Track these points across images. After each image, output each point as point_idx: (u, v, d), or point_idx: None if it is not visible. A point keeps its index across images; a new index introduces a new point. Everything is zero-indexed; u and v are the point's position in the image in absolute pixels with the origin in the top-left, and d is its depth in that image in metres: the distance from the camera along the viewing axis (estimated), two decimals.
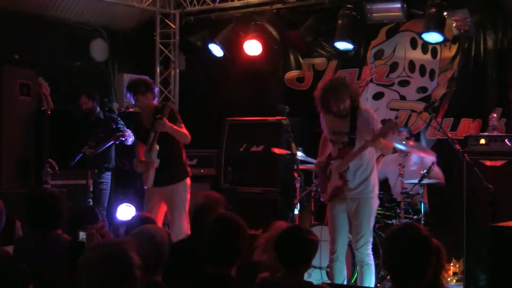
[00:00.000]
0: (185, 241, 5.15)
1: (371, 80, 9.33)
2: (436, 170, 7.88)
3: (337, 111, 6.31)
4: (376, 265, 7.12)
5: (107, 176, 8.88)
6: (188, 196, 7.22)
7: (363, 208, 6.41)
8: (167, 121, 7.01)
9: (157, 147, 7.08)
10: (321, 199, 6.92)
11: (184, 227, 7.01)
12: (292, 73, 10.09)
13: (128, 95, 7.42)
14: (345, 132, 6.37)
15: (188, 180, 7.33)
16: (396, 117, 8.86)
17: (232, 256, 4.00)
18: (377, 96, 9.30)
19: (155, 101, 7.48)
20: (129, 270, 3.22)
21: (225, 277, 3.92)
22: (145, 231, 4.15)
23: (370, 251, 6.44)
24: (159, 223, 6.90)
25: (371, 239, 6.45)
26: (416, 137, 8.67)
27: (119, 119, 9.01)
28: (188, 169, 7.42)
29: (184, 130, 7.23)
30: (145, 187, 7.36)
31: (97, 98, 9.13)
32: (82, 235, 4.37)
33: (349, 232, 6.58)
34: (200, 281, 3.96)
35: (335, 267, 6.55)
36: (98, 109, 9.07)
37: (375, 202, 6.54)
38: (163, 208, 7.24)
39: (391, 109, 9.17)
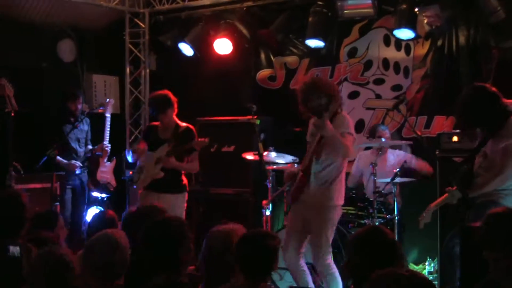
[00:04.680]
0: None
1: (346, 79, 9.23)
2: (418, 163, 7.80)
3: (316, 106, 6.23)
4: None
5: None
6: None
7: (321, 216, 6.24)
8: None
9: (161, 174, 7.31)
10: (288, 202, 6.82)
11: None
12: (264, 72, 9.98)
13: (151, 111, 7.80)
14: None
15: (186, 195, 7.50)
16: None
17: (173, 263, 3.85)
18: (353, 96, 9.21)
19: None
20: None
21: (176, 285, 3.76)
22: (107, 235, 4.07)
23: (329, 261, 6.24)
24: None
25: (329, 249, 6.25)
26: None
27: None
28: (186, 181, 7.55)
29: (193, 163, 7.49)
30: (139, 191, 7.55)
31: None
32: (12, 249, 4.25)
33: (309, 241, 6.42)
34: None
35: (293, 271, 6.41)
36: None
37: (336, 212, 6.35)
38: None
39: (367, 108, 9.09)
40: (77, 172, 8.68)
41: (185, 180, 7.52)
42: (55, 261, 3.61)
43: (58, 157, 8.39)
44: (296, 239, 6.36)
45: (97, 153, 8.87)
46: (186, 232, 4.06)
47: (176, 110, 7.53)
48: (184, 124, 7.57)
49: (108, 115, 8.94)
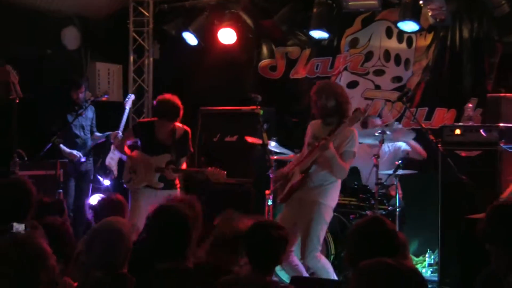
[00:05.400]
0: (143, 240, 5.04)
1: (346, 69, 9.26)
2: (413, 144, 7.84)
3: (321, 106, 6.35)
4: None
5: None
6: None
7: (311, 212, 6.29)
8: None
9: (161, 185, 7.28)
10: (277, 201, 6.83)
11: None
12: (265, 62, 10.00)
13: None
14: (322, 138, 6.32)
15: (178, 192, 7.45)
16: (368, 105, 8.79)
17: (179, 248, 3.87)
18: (352, 85, 9.23)
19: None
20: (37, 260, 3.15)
21: (180, 271, 3.79)
22: (110, 224, 4.06)
23: (317, 254, 6.28)
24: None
25: (318, 247, 6.29)
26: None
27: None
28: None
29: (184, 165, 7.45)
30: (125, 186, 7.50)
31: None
32: (17, 226, 4.22)
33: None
34: (154, 277, 3.83)
35: (286, 268, 6.45)
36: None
37: (327, 212, 6.39)
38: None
39: (366, 98, 9.13)
40: (82, 160, 8.71)
41: (177, 180, 7.50)
42: (29, 248, 3.43)
43: (61, 145, 8.41)
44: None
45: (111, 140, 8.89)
46: (191, 219, 4.05)
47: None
48: (180, 125, 7.47)
49: (127, 107, 9.07)
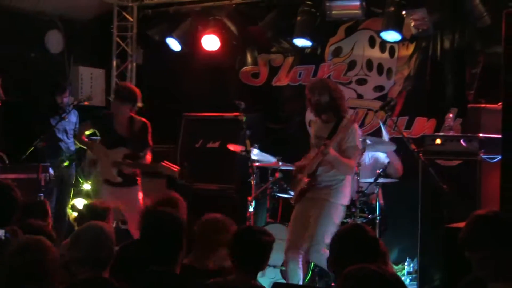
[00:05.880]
0: (135, 242, 5.07)
1: (328, 78, 9.30)
2: (394, 164, 7.92)
3: (315, 102, 6.43)
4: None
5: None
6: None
7: (321, 210, 6.35)
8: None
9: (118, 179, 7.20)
10: (291, 202, 6.84)
11: None
12: (247, 69, 10.03)
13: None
14: (323, 137, 6.38)
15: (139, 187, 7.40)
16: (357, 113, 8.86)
17: (170, 253, 3.91)
18: None
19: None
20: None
21: (168, 274, 3.83)
22: (92, 227, 4.08)
23: (324, 251, 6.23)
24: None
25: (322, 243, 6.26)
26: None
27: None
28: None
29: (147, 159, 7.28)
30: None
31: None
32: (1, 233, 4.25)
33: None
34: (144, 279, 3.86)
35: (290, 266, 6.48)
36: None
37: (336, 210, 6.43)
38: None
39: (349, 108, 9.12)
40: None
41: (138, 175, 7.42)
42: (38, 248, 3.58)
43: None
44: (297, 235, 6.44)
45: None
46: (180, 225, 4.09)
47: (135, 111, 7.39)
48: (138, 117, 7.40)
49: None
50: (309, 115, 9.25)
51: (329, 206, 6.38)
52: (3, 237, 4.28)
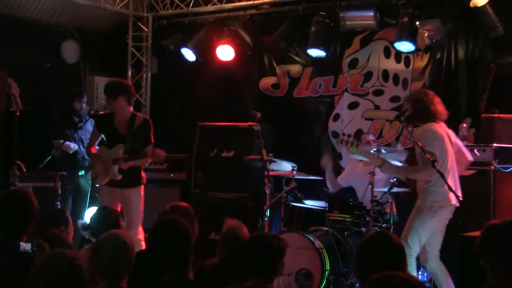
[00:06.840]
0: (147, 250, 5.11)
1: (346, 90, 9.35)
2: None
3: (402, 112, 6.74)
4: (345, 273, 7.13)
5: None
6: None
7: (414, 215, 6.50)
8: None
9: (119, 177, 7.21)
10: None
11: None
12: (268, 80, 10.02)
13: None
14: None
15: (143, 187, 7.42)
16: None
17: (182, 260, 3.95)
18: (352, 106, 9.31)
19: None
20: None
21: (184, 281, 3.87)
22: (113, 236, 4.10)
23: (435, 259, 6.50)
24: None
25: (414, 253, 6.42)
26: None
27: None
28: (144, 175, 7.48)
29: (147, 158, 7.27)
30: (97, 185, 7.51)
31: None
32: (24, 245, 4.28)
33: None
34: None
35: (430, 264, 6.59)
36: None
37: (427, 213, 6.45)
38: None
39: (366, 119, 9.19)
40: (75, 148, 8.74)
41: (143, 174, 7.45)
42: (69, 262, 3.61)
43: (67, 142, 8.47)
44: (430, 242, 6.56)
45: None
46: (190, 233, 4.13)
47: (132, 102, 7.45)
48: (140, 115, 7.50)
49: None
50: (332, 125, 9.33)
51: (420, 212, 6.53)
52: (30, 251, 4.31)
